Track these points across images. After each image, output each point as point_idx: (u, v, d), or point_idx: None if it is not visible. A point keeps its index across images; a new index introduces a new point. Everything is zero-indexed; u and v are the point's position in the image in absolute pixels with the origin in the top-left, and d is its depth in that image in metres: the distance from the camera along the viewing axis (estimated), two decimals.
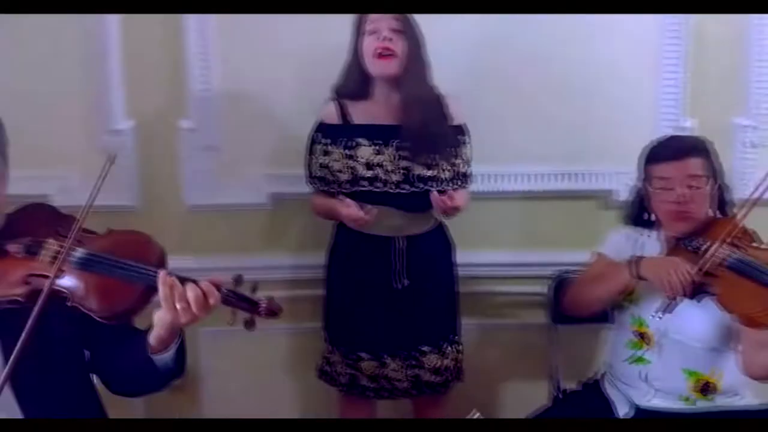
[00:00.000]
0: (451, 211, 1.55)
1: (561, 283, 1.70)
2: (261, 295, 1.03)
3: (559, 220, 1.90)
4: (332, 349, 1.66)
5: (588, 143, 1.84)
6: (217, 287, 1.00)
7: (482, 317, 1.95)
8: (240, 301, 1.01)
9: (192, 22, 1.68)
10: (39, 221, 1.11)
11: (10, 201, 1.73)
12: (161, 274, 0.99)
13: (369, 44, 1.50)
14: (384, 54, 1.49)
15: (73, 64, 1.72)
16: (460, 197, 1.56)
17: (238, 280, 1.03)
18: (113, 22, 1.69)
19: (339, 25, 1.63)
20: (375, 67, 1.51)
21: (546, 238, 1.90)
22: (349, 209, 1.51)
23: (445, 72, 1.61)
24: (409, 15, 1.52)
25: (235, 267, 1.79)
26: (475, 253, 1.85)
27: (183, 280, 1.00)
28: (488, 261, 1.89)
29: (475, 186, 1.77)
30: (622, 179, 1.78)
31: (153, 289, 1.00)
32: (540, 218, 1.91)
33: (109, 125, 1.75)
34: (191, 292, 0.98)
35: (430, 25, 1.58)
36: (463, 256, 1.76)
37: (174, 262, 1.79)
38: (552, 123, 1.82)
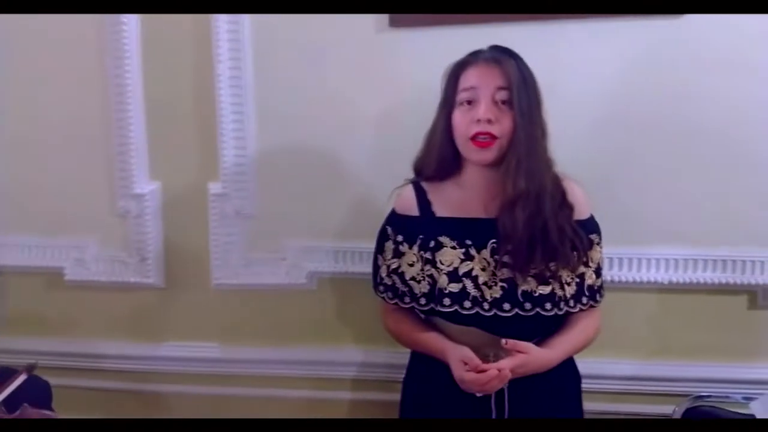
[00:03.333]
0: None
1: (693, 415, 1.45)
2: None
3: (689, 322, 1.64)
4: None
5: (737, 220, 1.56)
6: None
7: None
8: None
9: (225, 70, 1.63)
10: None
11: (22, 272, 1.78)
12: None
13: (463, 121, 1.26)
14: (481, 140, 1.24)
15: (91, 119, 1.72)
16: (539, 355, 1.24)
17: None
18: (135, 67, 1.67)
19: (403, 68, 1.57)
20: (469, 153, 1.27)
21: (679, 344, 1.65)
22: (472, 378, 1.20)
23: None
24: (519, 67, 1.25)
25: (267, 359, 1.75)
26: (583, 363, 1.57)
27: None
28: (605, 373, 1.65)
29: None
30: None
31: None
32: (662, 319, 1.65)
33: (129, 188, 1.72)
34: None
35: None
36: None
37: (198, 350, 1.76)
38: (687, 192, 1.57)
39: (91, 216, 1.74)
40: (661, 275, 1.60)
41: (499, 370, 1.20)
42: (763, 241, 1.56)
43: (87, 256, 1.77)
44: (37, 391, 1.38)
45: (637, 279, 1.61)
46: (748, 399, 1.47)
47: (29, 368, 1.34)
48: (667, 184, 1.57)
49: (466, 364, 1.23)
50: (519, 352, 1.22)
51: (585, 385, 1.61)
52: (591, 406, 1.64)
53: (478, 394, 1.24)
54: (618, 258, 1.60)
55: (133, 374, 1.82)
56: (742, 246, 1.57)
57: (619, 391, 1.66)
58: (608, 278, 1.60)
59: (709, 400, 1.48)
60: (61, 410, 1.46)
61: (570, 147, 1.45)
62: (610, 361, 1.65)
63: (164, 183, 1.73)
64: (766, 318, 1.60)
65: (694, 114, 1.53)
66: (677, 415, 1.48)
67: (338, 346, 1.74)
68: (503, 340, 1.23)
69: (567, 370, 1.34)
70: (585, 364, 1.59)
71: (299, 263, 1.70)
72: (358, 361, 1.73)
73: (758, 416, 1.18)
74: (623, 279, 1.61)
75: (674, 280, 1.60)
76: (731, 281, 1.58)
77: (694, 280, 1.59)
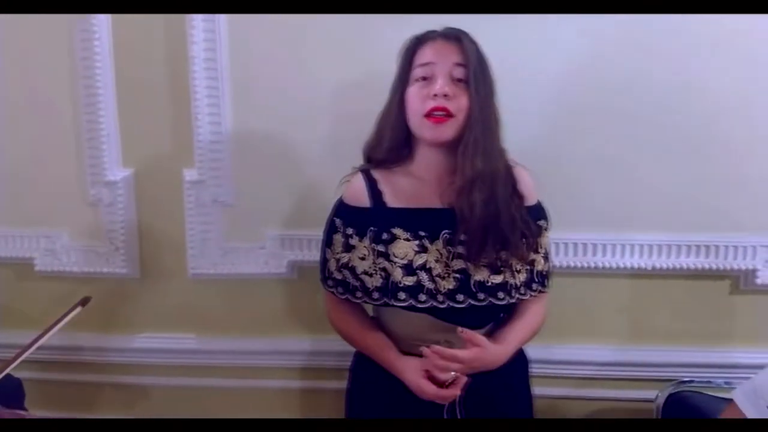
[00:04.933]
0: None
1: (675, 400, 1.50)
2: None
3: (673, 307, 1.69)
4: None
5: (718, 205, 1.61)
6: None
7: None
8: None
9: (200, 52, 1.61)
10: None
11: None
12: None
13: (417, 97, 1.25)
14: (437, 115, 1.23)
15: (60, 104, 1.68)
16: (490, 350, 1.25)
17: None
18: (105, 49, 1.64)
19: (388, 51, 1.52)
20: (423, 130, 1.26)
21: (662, 329, 1.70)
22: (434, 391, 1.23)
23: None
24: (477, 48, 1.26)
25: (246, 350, 1.77)
26: (556, 348, 1.67)
27: None
28: (573, 358, 1.71)
29: (556, 258, 1.60)
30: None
31: None
32: (646, 304, 1.70)
33: (101, 176, 1.69)
34: None
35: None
36: (545, 351, 1.62)
37: (174, 341, 1.77)
38: (668, 177, 1.60)
39: (62, 204, 1.72)
40: (645, 261, 1.64)
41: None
42: (745, 227, 1.61)
43: (58, 246, 1.75)
44: (8, 389, 1.37)
45: (621, 265, 1.64)
46: (729, 383, 1.53)
47: (84, 301, 1.34)
48: (648, 171, 1.60)
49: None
50: (474, 345, 1.24)
51: (567, 370, 1.71)
52: (574, 391, 1.73)
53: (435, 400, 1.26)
54: (602, 244, 1.63)
55: (109, 366, 1.82)
56: (725, 231, 1.61)
57: (602, 376, 1.71)
58: (591, 264, 1.65)
59: (691, 385, 1.53)
60: (35, 405, 1.46)
61: (547, 133, 1.52)
62: (593, 347, 1.70)
63: (137, 170, 1.71)
64: (747, 302, 1.65)
65: (670, 101, 1.56)
66: (661, 400, 1.53)
67: (319, 336, 1.75)
68: (459, 329, 1.25)
69: (516, 356, 1.37)
70: (567, 350, 1.69)
71: (279, 252, 1.70)
72: (339, 351, 1.73)
73: (740, 405, 1.21)
74: (606, 265, 1.64)
75: (657, 265, 1.63)
76: (714, 266, 1.62)
77: (677, 266, 1.63)
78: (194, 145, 1.65)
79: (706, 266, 1.62)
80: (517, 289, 1.29)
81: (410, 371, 1.27)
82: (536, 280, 1.33)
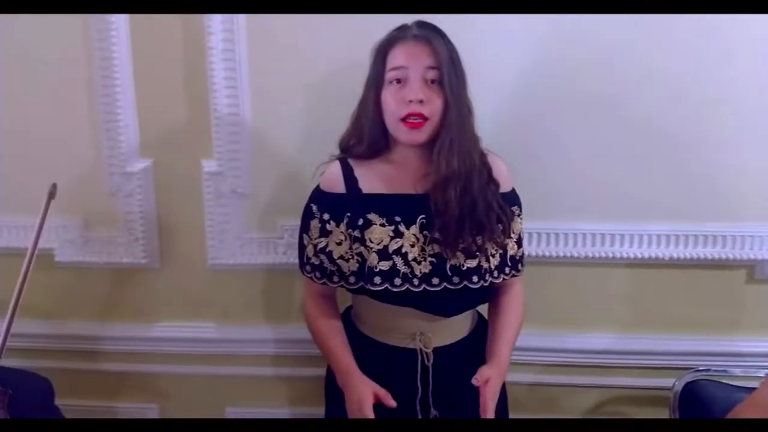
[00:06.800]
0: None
1: (692, 388, 1.53)
2: None
3: (689, 296, 1.72)
4: None
5: (731, 195, 1.63)
6: None
7: (579, 414, 1.81)
8: None
9: (218, 43, 1.60)
10: None
11: (10, 254, 1.77)
12: None
13: (393, 100, 1.27)
14: (413, 121, 1.26)
15: (77, 95, 1.68)
16: (492, 382, 1.28)
17: None
18: (123, 39, 1.63)
19: None
20: (399, 132, 1.30)
21: (679, 318, 1.73)
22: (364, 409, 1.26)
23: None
24: (447, 46, 1.27)
25: (264, 339, 1.80)
26: (571, 337, 1.70)
27: None
28: (588, 347, 1.75)
29: (574, 248, 1.65)
30: None
31: None
32: (662, 294, 1.73)
33: (120, 167, 1.71)
34: None
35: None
36: (560, 340, 1.67)
37: (193, 330, 1.80)
38: (679, 167, 1.62)
39: (81, 196, 1.73)
40: (661, 251, 1.66)
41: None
42: (760, 217, 1.63)
43: (77, 237, 1.77)
44: (39, 391, 1.38)
45: (637, 255, 1.67)
46: (746, 372, 1.56)
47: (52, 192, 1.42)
48: (664, 161, 1.61)
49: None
50: (485, 381, 1.28)
51: (582, 358, 1.74)
52: (589, 380, 1.77)
53: None
54: (619, 234, 1.66)
55: (129, 356, 1.85)
56: (740, 221, 1.64)
57: (617, 365, 1.75)
58: (608, 254, 1.67)
59: (708, 373, 1.56)
60: (58, 394, 1.48)
61: (561, 123, 1.57)
62: (608, 335, 1.74)
63: (156, 161, 1.72)
64: (762, 292, 1.68)
65: (679, 91, 1.56)
66: (678, 388, 1.56)
67: None
68: (473, 380, 1.28)
69: (480, 332, 1.43)
70: (582, 339, 1.73)
71: (296, 242, 1.71)
72: None
73: None
74: (623, 255, 1.67)
75: (673, 255, 1.66)
76: (730, 256, 1.65)
77: (693, 256, 1.66)
78: (212, 136, 1.66)
79: (722, 256, 1.65)
80: (491, 272, 1.34)
81: (363, 394, 1.28)
82: (508, 264, 1.38)
